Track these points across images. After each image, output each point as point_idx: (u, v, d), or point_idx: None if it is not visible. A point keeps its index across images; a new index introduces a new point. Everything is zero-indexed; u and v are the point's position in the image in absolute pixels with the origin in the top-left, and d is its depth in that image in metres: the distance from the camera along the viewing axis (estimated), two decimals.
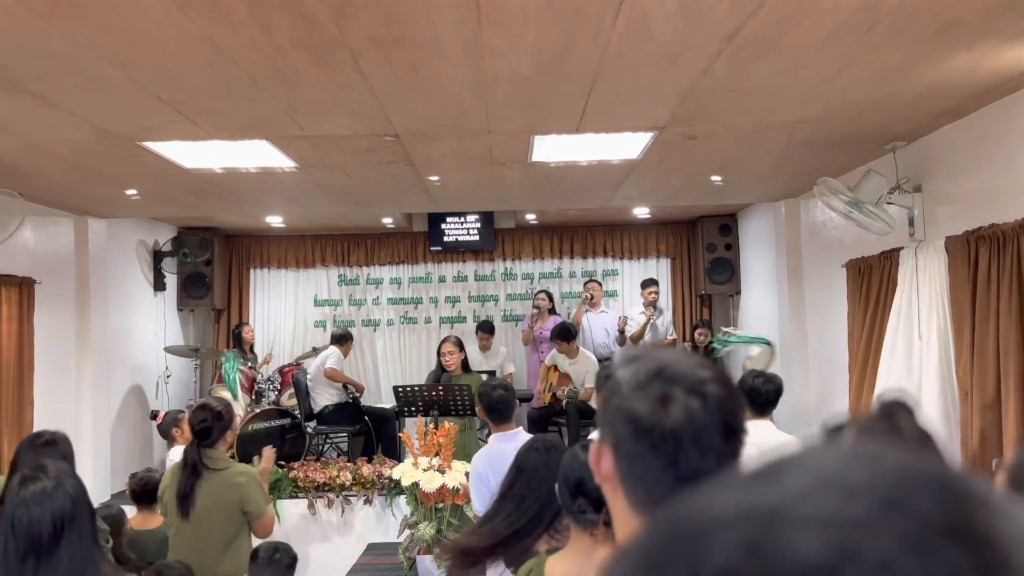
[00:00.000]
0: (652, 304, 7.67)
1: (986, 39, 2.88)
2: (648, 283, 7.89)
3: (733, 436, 0.96)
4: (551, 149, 4.49)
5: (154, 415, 5.04)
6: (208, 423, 3.33)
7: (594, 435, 1.06)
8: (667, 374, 0.97)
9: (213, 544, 3.27)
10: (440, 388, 5.60)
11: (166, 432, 5.05)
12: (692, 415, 0.94)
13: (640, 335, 7.70)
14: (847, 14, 2.60)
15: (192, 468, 3.29)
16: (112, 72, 3.00)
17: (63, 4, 2.42)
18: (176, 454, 4.91)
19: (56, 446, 2.93)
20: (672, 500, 0.92)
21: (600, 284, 8.23)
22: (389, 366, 8.72)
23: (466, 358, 6.08)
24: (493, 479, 3.61)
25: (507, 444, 3.68)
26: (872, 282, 4.95)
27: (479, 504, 3.64)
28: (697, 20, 2.61)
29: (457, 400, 5.58)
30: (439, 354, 6.02)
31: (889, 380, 4.35)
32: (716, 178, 5.45)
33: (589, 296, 7.91)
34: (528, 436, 3.75)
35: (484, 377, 6.70)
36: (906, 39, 2.84)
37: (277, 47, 2.78)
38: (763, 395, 3.69)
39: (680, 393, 0.95)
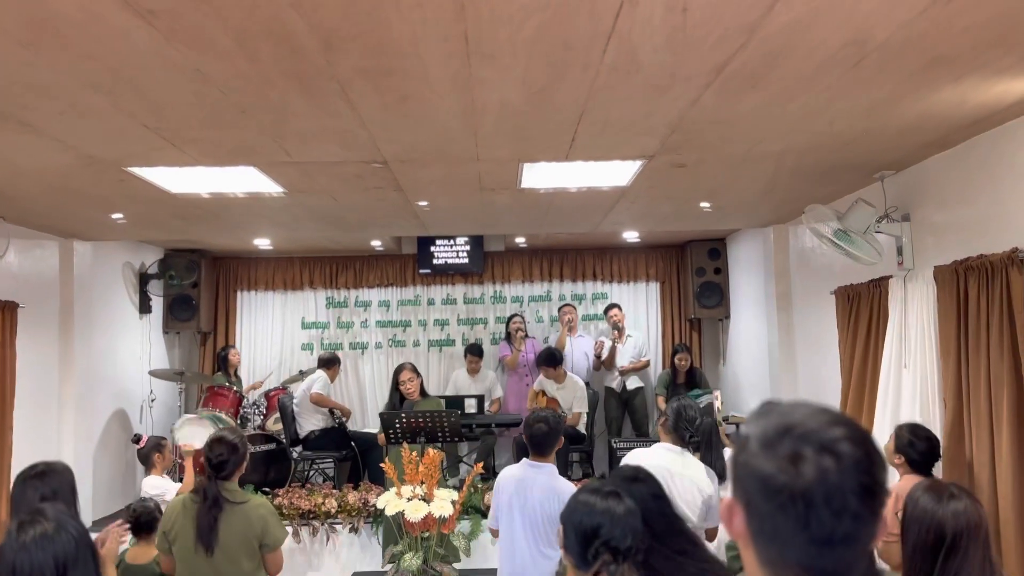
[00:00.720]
0: (616, 328, 7.71)
1: (974, 73, 2.89)
2: (610, 307, 7.98)
3: (871, 497, 0.92)
4: (540, 176, 4.49)
5: (136, 438, 4.92)
6: (225, 456, 3.30)
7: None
8: (797, 431, 0.94)
9: None
10: (426, 414, 5.54)
11: (147, 457, 4.94)
12: (824, 475, 0.91)
13: (611, 360, 7.71)
14: (835, 49, 2.60)
15: (214, 502, 3.24)
16: (97, 100, 2.97)
17: (48, 34, 2.39)
18: (151, 484, 4.80)
19: (46, 478, 2.84)
20: (806, 562, 0.91)
21: (575, 307, 8.23)
22: (376, 390, 8.65)
23: (423, 383, 6.01)
24: (504, 496, 3.71)
25: (532, 471, 3.69)
26: (861, 310, 4.95)
27: (491, 514, 3.84)
28: (685, 53, 2.61)
29: (444, 426, 5.52)
30: (397, 382, 5.91)
31: (886, 409, 4.33)
32: (705, 205, 5.45)
33: (569, 321, 7.91)
34: (556, 476, 3.71)
35: (442, 400, 6.64)
36: (894, 73, 2.85)
37: (264, 77, 2.76)
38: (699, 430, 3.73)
39: (811, 452, 0.92)
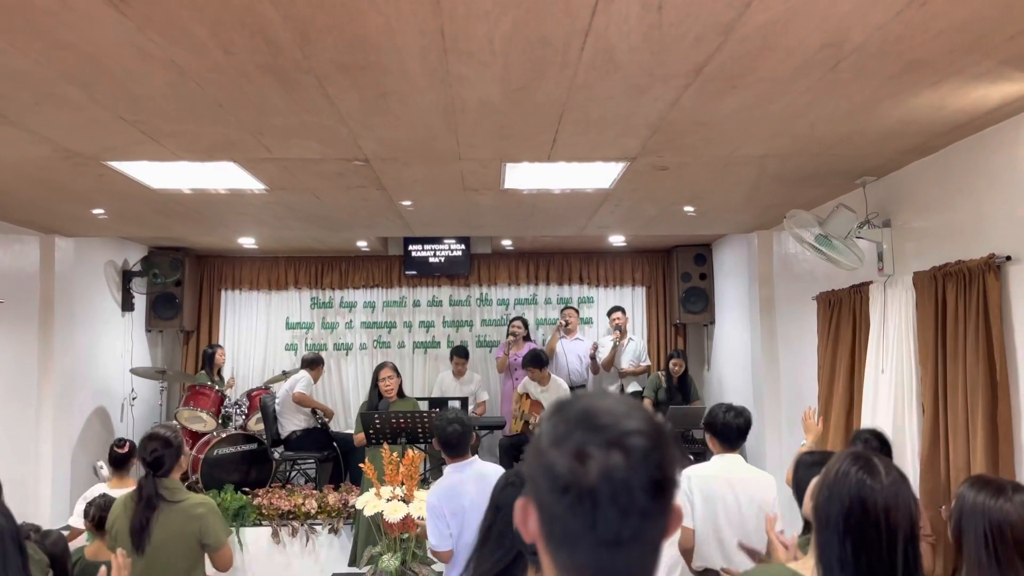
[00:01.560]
0: (618, 328, 7.71)
1: (951, 78, 2.90)
2: (613, 310, 7.96)
3: (661, 493, 0.87)
4: (524, 177, 4.48)
5: (121, 443, 4.77)
6: (159, 452, 3.21)
7: None
8: (588, 424, 0.88)
9: None
10: (406, 415, 5.52)
11: (125, 461, 4.77)
12: (610, 472, 0.85)
13: (610, 361, 7.71)
14: (812, 51, 2.61)
15: (147, 501, 3.16)
16: (72, 91, 2.95)
17: (20, 22, 2.37)
18: (97, 491, 4.72)
19: None
20: (595, 564, 0.85)
21: (577, 311, 8.22)
22: (360, 391, 8.61)
23: (401, 384, 5.97)
24: (448, 512, 3.55)
25: (460, 475, 3.63)
26: (842, 315, 4.96)
27: (434, 538, 3.57)
28: (663, 53, 2.60)
29: (425, 427, 5.50)
30: (376, 380, 5.88)
31: (876, 413, 4.31)
32: (689, 209, 5.46)
33: (564, 323, 7.90)
34: (483, 464, 3.70)
35: (420, 403, 6.61)
36: (871, 77, 2.86)
37: (240, 70, 2.74)
38: (734, 429, 3.64)
39: (598, 447, 0.86)
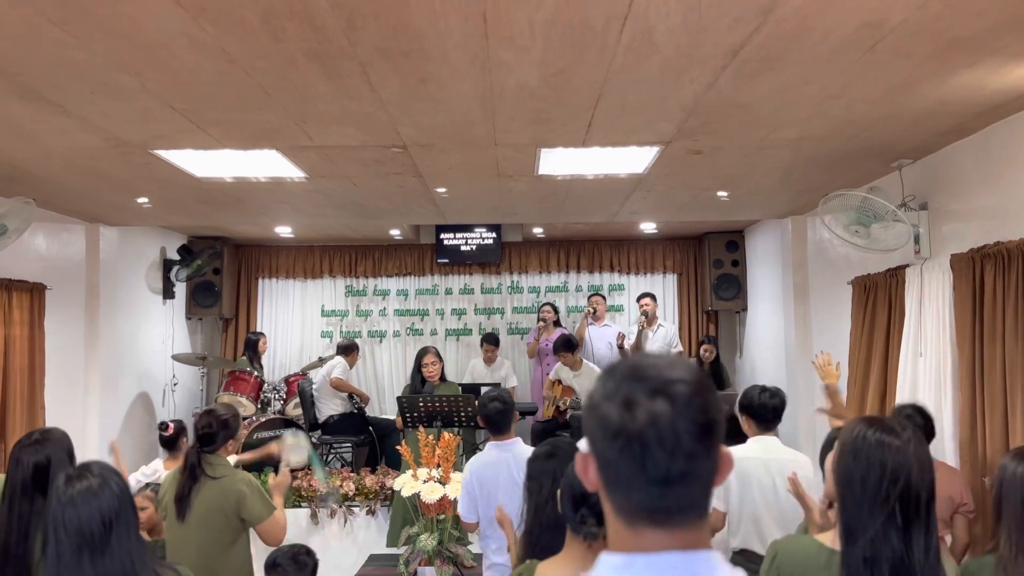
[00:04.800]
0: (644, 314, 7.73)
1: (990, 58, 2.90)
2: (643, 296, 7.98)
3: (705, 435, 0.96)
4: (558, 162, 4.53)
5: (164, 426, 4.98)
6: (212, 429, 3.36)
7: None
8: (635, 377, 0.98)
9: (210, 548, 3.28)
10: (444, 398, 5.61)
11: (174, 441, 4.95)
12: (656, 417, 0.94)
13: (636, 347, 7.73)
14: (850, 31, 2.62)
15: (191, 471, 3.31)
16: (126, 80, 3.05)
17: (78, 13, 2.46)
18: (153, 468, 4.93)
19: (41, 445, 2.88)
20: (648, 503, 0.94)
21: (604, 298, 8.25)
22: (394, 377, 8.74)
23: (444, 368, 6.11)
24: (477, 486, 3.67)
25: (502, 453, 3.72)
26: (878, 299, 4.95)
27: (462, 508, 3.76)
28: (701, 35, 2.64)
29: (460, 411, 5.59)
30: (419, 364, 6.02)
31: (914, 397, 4.31)
32: (722, 194, 5.47)
33: (592, 310, 7.94)
34: (525, 447, 3.77)
35: (459, 386, 6.72)
36: (910, 57, 2.87)
37: (288, 57, 2.82)
38: (769, 409, 3.66)
39: (644, 396, 0.95)
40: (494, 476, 3.64)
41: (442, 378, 6.03)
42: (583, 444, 1.04)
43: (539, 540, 2.32)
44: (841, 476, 1.74)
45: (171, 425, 4.93)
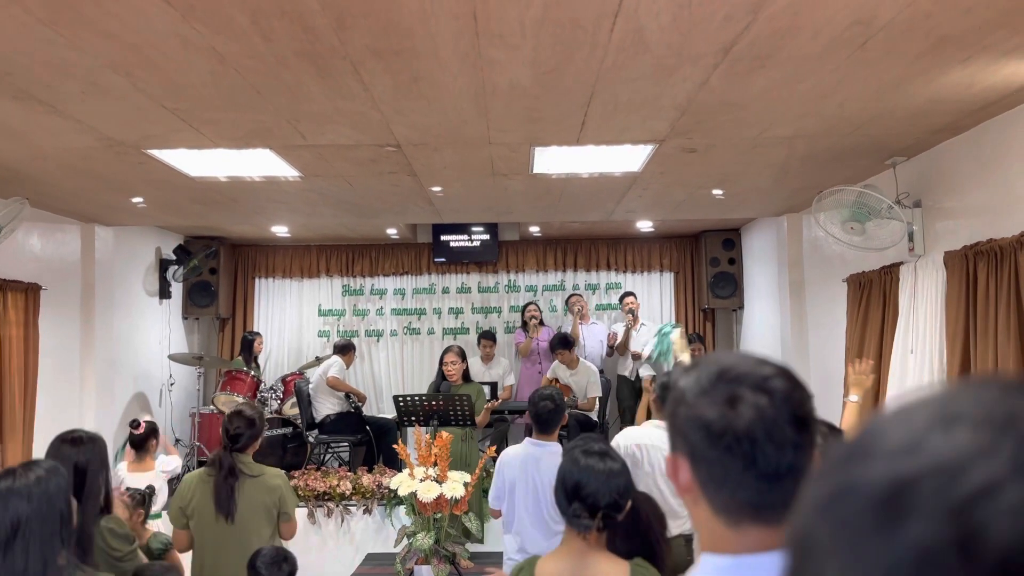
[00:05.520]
0: (631, 312, 7.76)
1: (981, 55, 2.90)
2: (625, 295, 8.05)
3: (805, 427, 0.97)
4: (552, 161, 4.53)
5: (136, 423, 4.77)
6: (241, 430, 3.42)
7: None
8: (730, 376, 0.98)
9: (255, 544, 3.30)
10: (440, 398, 5.61)
11: (143, 443, 4.69)
12: (761, 412, 0.95)
13: (624, 345, 7.75)
14: (840, 29, 2.63)
15: (230, 471, 3.35)
16: (117, 80, 3.05)
17: (68, 13, 2.46)
18: (164, 462, 4.82)
19: (81, 446, 2.90)
20: (757, 499, 0.93)
21: (581, 296, 8.29)
22: (391, 376, 8.74)
23: (468, 368, 6.11)
24: (508, 475, 3.74)
25: (537, 449, 3.75)
26: (873, 297, 4.95)
27: (493, 492, 3.83)
28: (692, 33, 2.64)
29: (457, 410, 5.59)
30: (441, 363, 6.05)
31: (897, 394, 4.34)
32: (717, 192, 5.47)
33: (579, 309, 7.97)
34: (559, 451, 3.79)
35: (486, 388, 6.75)
36: (900, 55, 2.87)
37: (278, 57, 2.82)
38: None
39: (746, 392, 0.96)
40: (525, 470, 3.69)
41: (466, 378, 6.01)
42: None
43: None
44: None
45: (143, 424, 4.69)
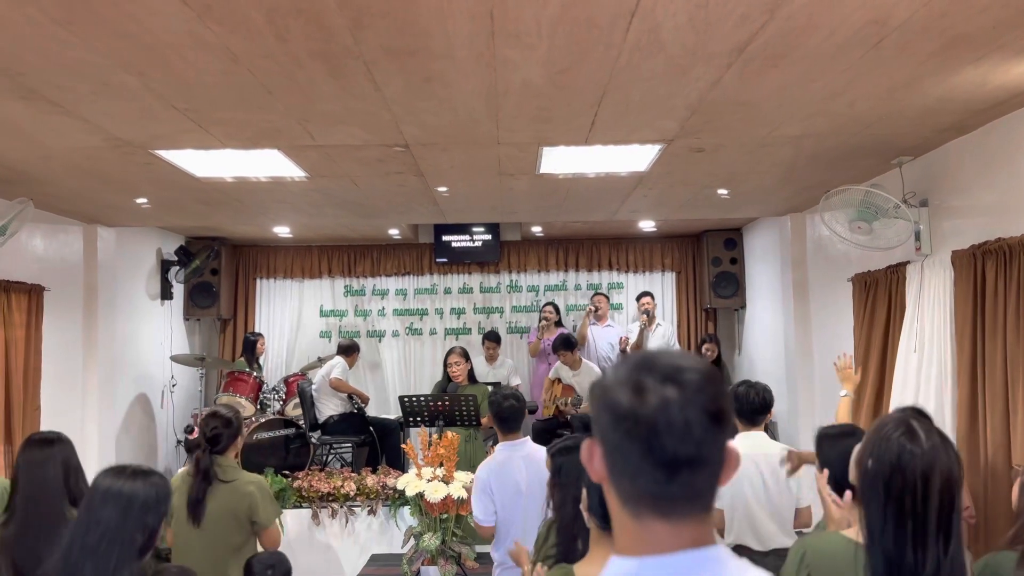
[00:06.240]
0: (646, 313, 7.77)
1: (993, 54, 2.91)
2: (642, 295, 8.06)
3: (713, 424, 0.96)
4: (559, 161, 4.52)
5: (189, 429, 5.01)
6: (218, 430, 3.36)
7: None
8: (646, 366, 0.99)
9: (221, 551, 3.27)
10: (445, 398, 5.61)
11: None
12: (666, 402, 0.95)
13: (638, 346, 7.76)
14: (855, 28, 2.63)
15: (204, 474, 3.30)
16: (129, 80, 3.04)
17: (83, 12, 2.45)
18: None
19: (51, 446, 2.94)
20: (655, 489, 0.93)
21: (607, 298, 8.27)
22: (395, 377, 8.73)
23: (472, 369, 6.11)
24: (496, 489, 3.62)
25: (513, 453, 3.70)
26: (878, 296, 4.96)
27: (480, 512, 3.67)
28: (707, 32, 2.64)
29: (462, 410, 5.59)
30: (446, 364, 6.05)
31: (905, 395, 4.33)
32: (722, 191, 5.47)
33: (594, 308, 7.96)
34: (535, 446, 3.77)
35: (489, 388, 6.74)
36: (913, 54, 2.87)
37: (292, 56, 2.81)
38: (747, 404, 3.67)
39: (654, 382, 0.96)
40: (510, 477, 3.63)
41: (471, 379, 6.00)
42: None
43: (580, 534, 2.29)
44: (861, 474, 1.74)
45: (196, 429, 4.93)
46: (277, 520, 3.46)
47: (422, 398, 5.61)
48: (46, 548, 2.68)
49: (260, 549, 3.49)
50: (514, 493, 3.61)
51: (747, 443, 3.62)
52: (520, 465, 3.62)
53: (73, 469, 2.94)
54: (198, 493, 3.27)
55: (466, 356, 6.04)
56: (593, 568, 2.09)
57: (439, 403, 5.59)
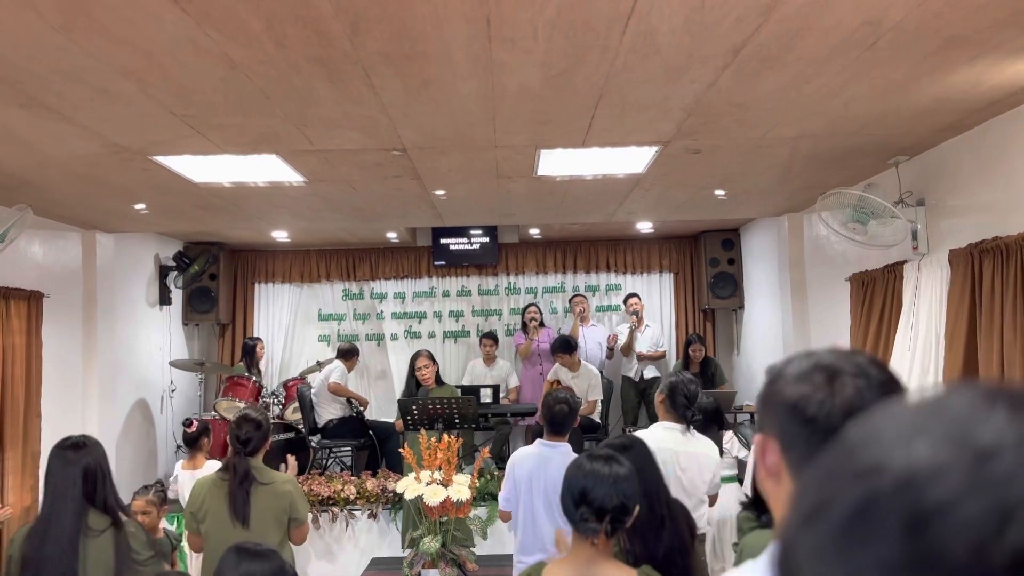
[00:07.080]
0: (635, 314, 7.79)
1: (988, 54, 2.92)
2: (629, 296, 8.09)
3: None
4: (557, 163, 4.54)
5: (188, 422, 5.06)
6: (251, 433, 3.44)
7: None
8: (826, 362, 1.01)
9: None
10: (445, 401, 5.62)
11: (196, 440, 4.99)
12: (860, 392, 0.97)
13: (628, 346, 7.78)
14: (851, 29, 2.64)
15: (244, 476, 3.37)
16: (127, 86, 3.05)
17: (81, 19, 2.46)
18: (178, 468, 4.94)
19: (85, 449, 2.96)
20: None
21: (585, 297, 8.30)
22: (393, 380, 8.74)
23: (439, 370, 6.17)
24: (518, 476, 3.74)
25: (549, 451, 3.77)
26: (876, 295, 4.98)
27: (504, 495, 3.84)
28: (703, 34, 2.65)
29: (462, 414, 5.60)
30: (413, 368, 6.07)
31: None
32: (719, 192, 5.49)
33: (581, 311, 7.99)
34: (571, 452, 3.80)
35: (485, 391, 6.76)
36: (909, 54, 2.89)
37: (291, 62, 2.83)
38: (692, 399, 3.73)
39: (846, 375, 0.99)
40: (540, 471, 3.69)
41: (438, 381, 6.04)
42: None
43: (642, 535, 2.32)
44: None
45: (195, 422, 4.96)
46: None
47: (421, 401, 5.62)
48: (63, 560, 2.69)
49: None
50: (538, 488, 3.69)
51: (665, 436, 3.65)
52: (554, 464, 3.67)
53: (97, 476, 2.93)
54: (242, 496, 3.34)
55: (432, 358, 6.12)
56: (564, 569, 2.10)
57: (438, 406, 5.59)
